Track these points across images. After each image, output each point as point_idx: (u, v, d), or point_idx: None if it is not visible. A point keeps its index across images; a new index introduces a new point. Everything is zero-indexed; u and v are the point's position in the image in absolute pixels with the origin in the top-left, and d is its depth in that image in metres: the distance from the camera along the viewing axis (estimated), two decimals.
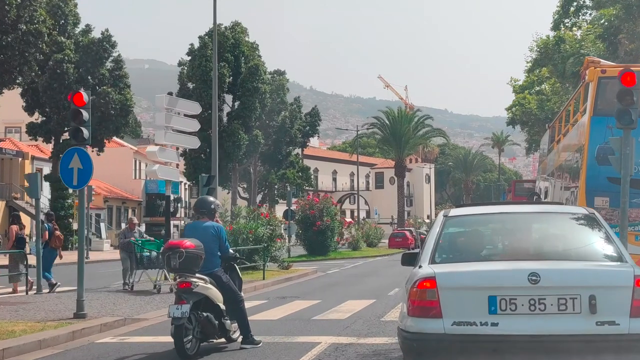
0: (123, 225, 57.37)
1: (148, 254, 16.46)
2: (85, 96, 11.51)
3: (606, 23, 32.67)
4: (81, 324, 10.76)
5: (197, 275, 8.40)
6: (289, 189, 49.28)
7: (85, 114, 11.48)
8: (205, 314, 8.40)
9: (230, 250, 9.32)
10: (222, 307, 8.69)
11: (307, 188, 71.18)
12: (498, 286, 5.20)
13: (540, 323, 5.09)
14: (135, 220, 18.66)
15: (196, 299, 8.34)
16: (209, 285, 8.56)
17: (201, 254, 8.31)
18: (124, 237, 17.50)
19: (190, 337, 8.26)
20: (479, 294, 5.21)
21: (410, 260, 6.51)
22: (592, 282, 5.17)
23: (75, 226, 48.26)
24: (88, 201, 37.44)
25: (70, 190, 51.20)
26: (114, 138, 59.17)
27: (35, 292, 16.08)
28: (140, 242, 16.92)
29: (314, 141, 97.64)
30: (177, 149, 23.10)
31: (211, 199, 9.46)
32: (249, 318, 12.08)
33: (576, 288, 5.13)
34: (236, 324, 9.02)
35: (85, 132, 11.52)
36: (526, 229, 6.22)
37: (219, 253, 8.89)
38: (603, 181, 14.32)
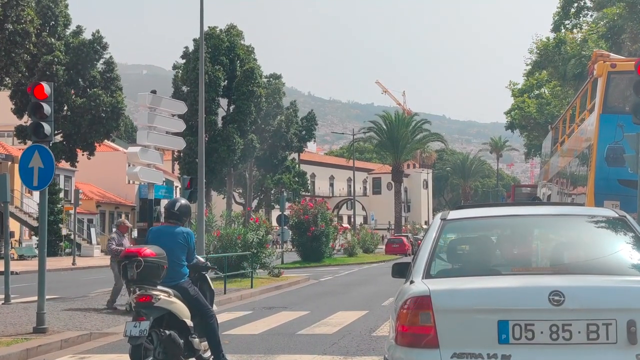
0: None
1: None
2: (47, 88, 10.47)
3: (610, 23, 31.74)
4: (39, 340, 9.69)
5: (159, 287, 7.33)
6: (284, 194, 48.33)
7: (47, 108, 10.43)
8: (168, 331, 7.32)
9: (200, 258, 8.27)
10: (189, 323, 7.62)
11: (303, 193, 70.21)
12: (510, 308, 4.08)
13: (564, 356, 3.99)
14: (128, 223, 15.92)
15: (158, 315, 7.27)
16: (174, 299, 7.49)
17: (163, 264, 7.24)
18: (117, 243, 14.57)
19: (151, 358, 7.19)
20: (486, 318, 4.09)
21: (402, 271, 5.41)
22: (631, 303, 4.05)
23: (65, 231, 47.20)
24: (75, 205, 36.59)
25: (61, 195, 50.32)
26: (109, 142, 58.30)
27: (3, 302, 14.98)
28: None
29: (311, 146, 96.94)
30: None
31: (183, 201, 8.37)
32: (229, 331, 11.12)
33: (611, 311, 4.02)
34: (206, 342, 7.94)
35: (47, 128, 10.46)
36: (541, 235, 5.11)
37: (186, 262, 7.83)
38: (613, 183, 13.40)
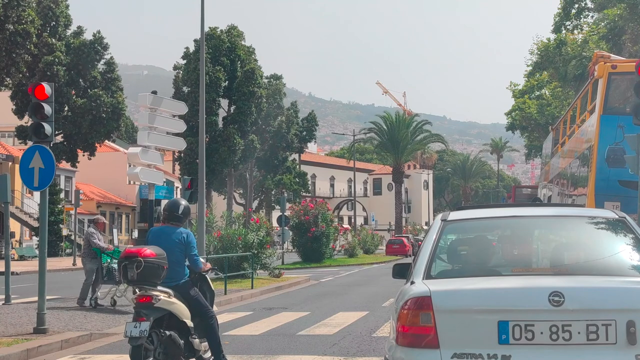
0: (115, 232, 56.18)
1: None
2: (47, 88, 10.47)
3: (610, 24, 31.77)
4: (39, 341, 9.69)
5: (160, 288, 7.33)
6: (285, 194, 48.28)
7: (48, 108, 10.43)
8: (168, 332, 7.33)
9: (201, 260, 8.27)
10: (190, 324, 7.63)
11: (304, 194, 70.20)
12: (510, 309, 4.09)
13: (564, 356, 4.00)
14: (105, 220, 15.82)
15: (158, 316, 7.27)
16: (174, 300, 7.49)
17: (163, 264, 7.24)
18: (96, 238, 14.41)
19: (151, 359, 7.20)
20: (487, 318, 4.11)
21: (403, 271, 5.43)
22: (630, 304, 4.06)
23: (65, 232, 47.20)
24: (76, 206, 36.56)
25: (61, 195, 50.32)
26: (109, 143, 58.33)
27: (3, 302, 14.98)
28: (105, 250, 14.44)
29: (311, 147, 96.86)
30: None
31: (183, 202, 8.36)
32: (229, 332, 11.13)
33: (610, 311, 4.03)
34: (207, 343, 7.94)
35: (48, 129, 10.46)
36: (542, 236, 5.12)
37: (186, 263, 7.83)
38: (614, 184, 13.41)
